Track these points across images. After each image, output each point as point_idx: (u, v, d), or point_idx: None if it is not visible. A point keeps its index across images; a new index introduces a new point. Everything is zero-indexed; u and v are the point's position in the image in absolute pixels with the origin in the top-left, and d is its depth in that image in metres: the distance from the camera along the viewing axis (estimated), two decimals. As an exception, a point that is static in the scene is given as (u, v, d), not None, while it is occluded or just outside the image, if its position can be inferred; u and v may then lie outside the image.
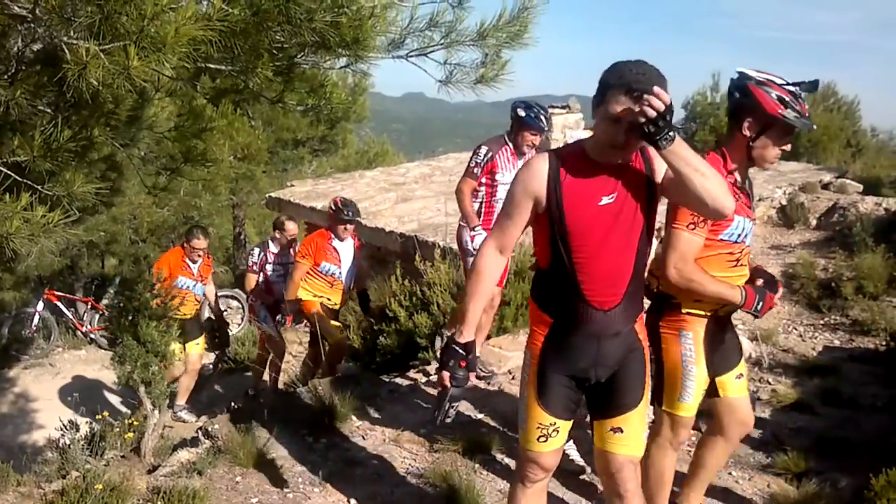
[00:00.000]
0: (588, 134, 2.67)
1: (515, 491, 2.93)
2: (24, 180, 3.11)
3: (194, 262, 7.13)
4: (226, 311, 8.34)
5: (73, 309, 11.73)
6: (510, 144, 5.19)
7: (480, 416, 4.99)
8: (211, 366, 9.14)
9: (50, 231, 2.91)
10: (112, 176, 4.48)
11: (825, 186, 11.31)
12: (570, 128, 12.44)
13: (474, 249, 4.88)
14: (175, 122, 4.32)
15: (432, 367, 6.35)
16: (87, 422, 5.44)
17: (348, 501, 3.99)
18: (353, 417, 4.92)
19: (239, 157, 11.30)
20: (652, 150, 2.51)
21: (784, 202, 10.45)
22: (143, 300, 4.55)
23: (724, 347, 3.25)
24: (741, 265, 3.15)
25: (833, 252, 8.58)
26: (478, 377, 5.42)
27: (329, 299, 6.65)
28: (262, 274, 7.44)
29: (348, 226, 6.54)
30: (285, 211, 11.65)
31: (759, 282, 3.19)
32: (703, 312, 3.12)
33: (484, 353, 5.71)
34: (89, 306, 11.74)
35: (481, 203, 5.21)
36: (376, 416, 5.02)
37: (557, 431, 2.75)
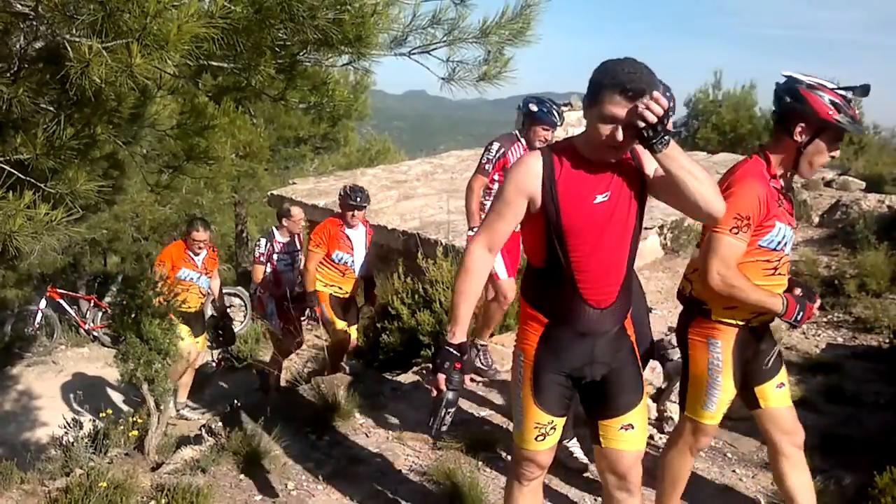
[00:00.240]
0: None
1: (512, 490, 2.93)
2: (27, 178, 3.11)
3: (197, 254, 7.07)
4: (229, 307, 8.24)
5: (75, 307, 11.74)
6: (522, 141, 5.17)
7: (483, 413, 5.00)
8: (213, 363, 9.14)
9: (53, 229, 2.90)
10: (114, 174, 4.47)
11: (828, 184, 11.30)
12: (571, 125, 12.44)
13: None
14: (177, 119, 4.31)
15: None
16: (90, 419, 5.45)
17: (351, 499, 3.99)
18: (356, 415, 4.92)
19: (241, 154, 11.26)
20: (641, 149, 2.52)
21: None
22: (145, 298, 4.55)
23: (763, 356, 3.16)
24: (779, 274, 3.06)
25: (836, 249, 8.58)
26: (480, 375, 5.41)
27: (340, 288, 6.60)
28: (269, 265, 7.31)
29: (357, 212, 6.48)
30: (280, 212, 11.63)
31: (798, 291, 3.10)
32: (734, 321, 3.04)
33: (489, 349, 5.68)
34: (92, 304, 11.74)
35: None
36: (379, 413, 5.02)
37: (554, 429, 2.76)
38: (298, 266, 7.43)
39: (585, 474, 4.12)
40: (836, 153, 2.96)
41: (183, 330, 6.52)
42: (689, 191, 2.41)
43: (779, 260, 3.03)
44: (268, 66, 3.27)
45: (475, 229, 4.95)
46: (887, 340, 6.24)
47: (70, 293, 11.88)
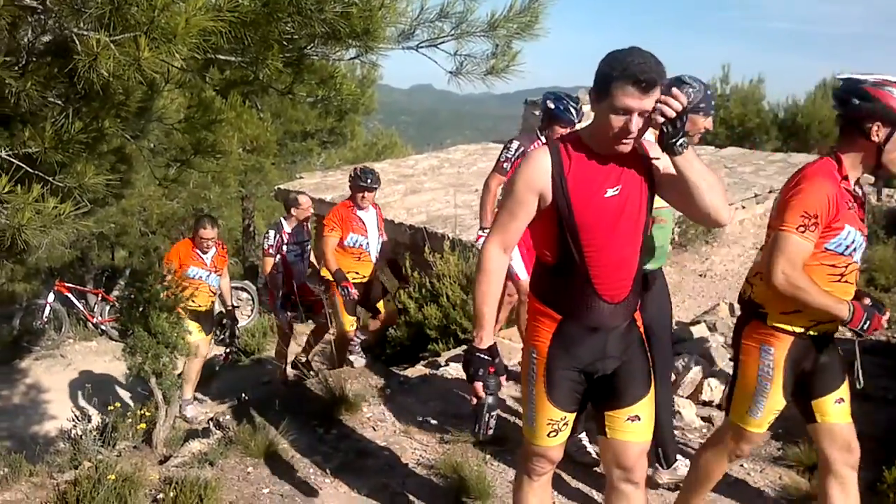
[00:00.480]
0: None
1: (522, 485, 2.91)
2: (36, 172, 3.11)
3: (205, 252, 6.96)
4: (237, 307, 8.15)
5: (83, 300, 11.79)
6: (542, 139, 5.04)
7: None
8: (221, 357, 9.16)
9: (61, 222, 2.91)
10: (122, 168, 4.48)
11: (836, 178, 11.24)
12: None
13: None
14: (185, 113, 4.31)
15: (443, 358, 6.37)
16: (98, 413, 5.47)
17: (359, 492, 4.00)
18: (364, 409, 4.93)
19: (248, 149, 11.31)
20: (647, 142, 2.50)
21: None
22: (153, 291, 4.56)
23: (824, 369, 3.00)
24: (846, 282, 2.90)
25: (844, 244, 8.53)
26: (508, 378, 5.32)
27: (357, 273, 6.46)
28: (279, 256, 7.19)
29: (367, 193, 6.39)
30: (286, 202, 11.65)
31: (867, 300, 2.94)
32: (790, 328, 2.91)
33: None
34: (100, 298, 11.79)
35: None
36: (386, 407, 5.02)
37: (567, 425, 2.74)
38: (308, 256, 7.38)
39: (596, 468, 4.11)
40: None
41: (193, 326, 6.54)
42: (700, 197, 2.39)
43: (846, 266, 2.88)
44: (275, 60, 3.26)
45: (486, 229, 4.91)
46: (895, 335, 6.21)
47: (78, 287, 11.92)
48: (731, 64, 18.77)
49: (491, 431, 2.65)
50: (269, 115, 13.46)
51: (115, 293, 12.06)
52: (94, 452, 4.34)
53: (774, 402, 2.97)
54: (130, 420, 4.97)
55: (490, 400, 2.60)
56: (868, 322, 2.82)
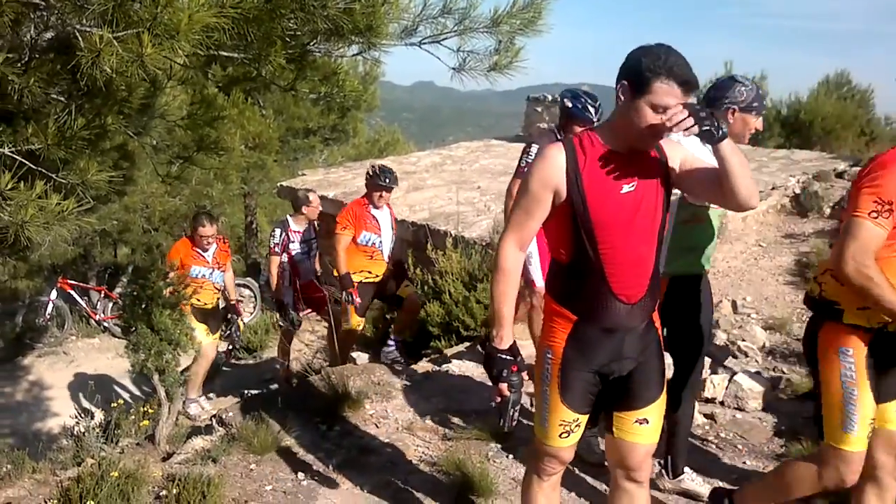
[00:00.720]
0: None
1: (531, 484, 2.89)
2: (39, 168, 3.11)
3: (205, 249, 6.81)
4: (239, 300, 8.07)
5: (86, 297, 11.79)
6: (560, 139, 4.94)
7: (493, 404, 4.98)
8: (223, 354, 9.17)
9: (64, 219, 2.91)
10: (124, 164, 4.48)
11: (839, 175, 11.22)
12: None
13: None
14: (187, 110, 4.31)
15: (456, 348, 6.36)
16: (101, 410, 5.48)
17: (361, 489, 4.00)
18: (367, 406, 4.93)
19: (250, 146, 11.29)
20: (665, 141, 2.50)
21: (798, 191, 10.37)
22: (156, 288, 4.56)
23: (893, 372, 2.82)
24: None
25: (847, 241, 8.51)
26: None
27: (370, 272, 6.39)
28: (285, 255, 7.08)
29: (384, 193, 6.33)
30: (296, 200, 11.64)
31: None
32: (867, 324, 2.74)
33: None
34: (102, 295, 11.79)
35: None
36: (389, 404, 5.03)
37: (579, 426, 2.72)
38: (315, 254, 7.33)
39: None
40: None
41: (200, 328, 6.51)
42: (735, 182, 2.35)
43: None
44: (278, 57, 3.26)
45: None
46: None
47: (81, 284, 11.92)
48: (734, 61, 18.75)
49: (515, 423, 2.68)
50: (271, 111, 13.46)
51: (118, 290, 12.08)
52: (97, 449, 4.34)
53: (867, 408, 2.77)
54: (133, 417, 4.97)
55: (514, 397, 2.62)
56: None
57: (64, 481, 3.92)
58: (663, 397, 2.75)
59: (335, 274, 6.45)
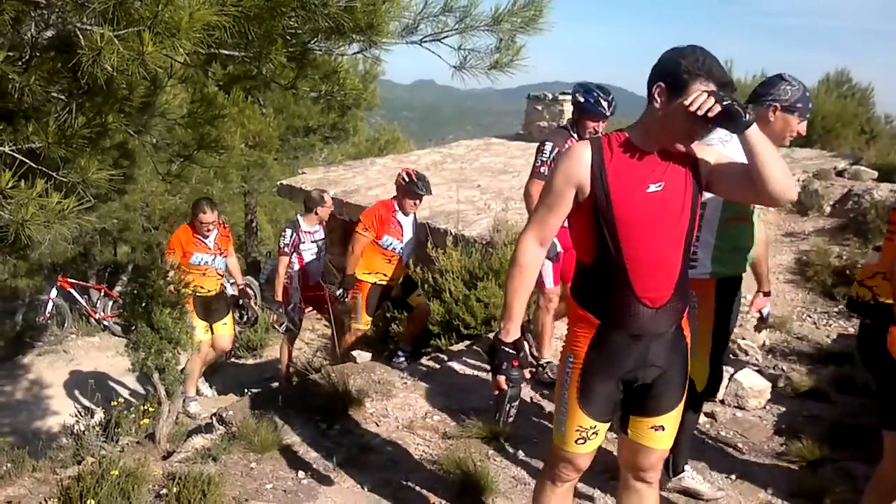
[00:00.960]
0: None
1: (544, 489, 2.85)
2: (39, 167, 3.11)
3: (206, 236, 6.68)
4: (246, 285, 7.91)
5: (86, 296, 11.81)
6: (575, 136, 4.84)
7: (492, 400, 4.98)
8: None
9: (65, 217, 2.91)
10: (125, 163, 4.49)
11: (839, 173, 11.21)
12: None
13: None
14: (187, 109, 4.30)
15: (457, 347, 6.35)
16: (101, 408, 5.48)
17: (362, 487, 4.00)
18: (367, 404, 4.92)
19: (250, 144, 11.28)
20: (696, 144, 2.48)
21: (798, 189, 10.39)
22: (156, 287, 4.56)
23: None
24: None
25: (847, 239, 8.52)
26: (535, 376, 5.26)
27: (385, 275, 6.30)
28: (295, 256, 6.99)
29: (418, 201, 6.24)
30: (296, 198, 11.66)
31: None
32: None
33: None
34: (102, 293, 11.81)
35: None
36: (390, 402, 5.02)
37: (597, 434, 2.67)
38: (324, 255, 7.25)
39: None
40: None
41: (199, 324, 6.47)
42: (764, 168, 2.31)
43: None
44: (279, 55, 3.26)
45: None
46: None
47: (81, 283, 11.94)
48: (734, 59, 18.71)
49: (511, 419, 2.65)
50: (271, 110, 13.45)
51: (118, 289, 12.09)
52: (97, 448, 4.34)
53: None
54: (133, 416, 4.98)
55: (512, 392, 2.59)
56: None
57: (64, 480, 3.91)
58: (681, 407, 2.71)
59: (338, 272, 6.42)
